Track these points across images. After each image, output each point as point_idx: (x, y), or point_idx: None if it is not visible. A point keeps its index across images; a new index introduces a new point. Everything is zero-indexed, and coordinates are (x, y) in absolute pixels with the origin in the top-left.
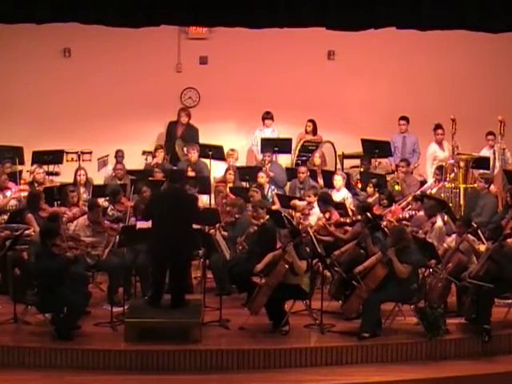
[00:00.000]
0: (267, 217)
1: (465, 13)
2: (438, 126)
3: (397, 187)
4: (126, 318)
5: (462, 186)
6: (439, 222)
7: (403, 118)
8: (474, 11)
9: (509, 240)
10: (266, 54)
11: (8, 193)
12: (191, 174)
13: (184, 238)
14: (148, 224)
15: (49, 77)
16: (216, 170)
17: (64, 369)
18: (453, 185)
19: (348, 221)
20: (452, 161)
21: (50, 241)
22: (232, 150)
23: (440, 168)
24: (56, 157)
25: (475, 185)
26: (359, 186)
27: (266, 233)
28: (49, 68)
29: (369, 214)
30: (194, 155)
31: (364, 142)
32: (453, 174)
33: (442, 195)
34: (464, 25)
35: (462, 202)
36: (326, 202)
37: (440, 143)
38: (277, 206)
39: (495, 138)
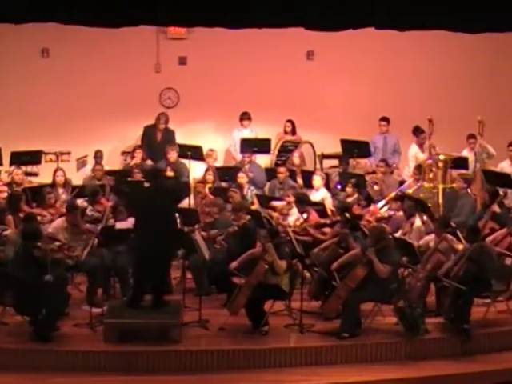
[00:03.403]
0: (248, 217)
1: (442, 13)
2: (420, 131)
3: (376, 187)
4: (105, 318)
5: (440, 186)
6: (418, 222)
7: (384, 118)
8: (451, 11)
9: (487, 239)
10: (245, 54)
11: None
12: (170, 173)
13: (167, 235)
14: (127, 224)
15: (27, 77)
16: (195, 170)
17: (43, 370)
18: (431, 185)
19: (328, 222)
20: (430, 161)
21: (31, 243)
22: (211, 150)
23: (418, 167)
24: (34, 157)
25: (453, 185)
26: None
27: (246, 233)
28: (27, 68)
29: (347, 215)
30: (173, 155)
31: (343, 142)
32: (431, 174)
33: (421, 195)
34: (441, 25)
35: (440, 201)
36: (302, 202)
37: (421, 146)
38: (256, 207)
39: (476, 140)
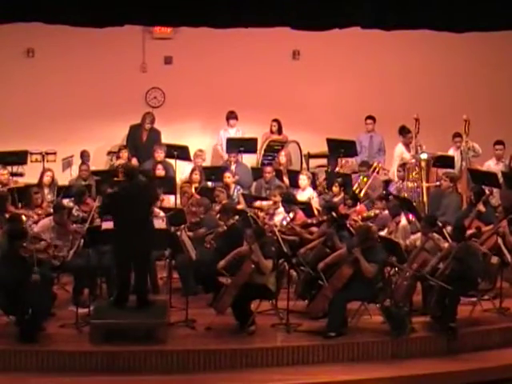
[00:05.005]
0: (237, 217)
1: (428, 12)
2: (407, 131)
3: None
4: (91, 319)
5: (424, 185)
6: (403, 221)
7: (370, 117)
8: (437, 10)
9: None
10: (230, 53)
11: None
12: (161, 172)
13: (144, 234)
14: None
15: (12, 77)
16: (181, 170)
17: (29, 371)
18: (415, 184)
19: (314, 221)
20: (414, 160)
21: (18, 243)
22: (200, 150)
23: (403, 165)
24: (20, 158)
25: (437, 183)
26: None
27: (234, 233)
28: (12, 68)
29: (334, 214)
30: (160, 155)
31: (329, 141)
32: (415, 173)
33: (405, 194)
34: (427, 24)
35: (425, 200)
36: (289, 202)
37: (407, 145)
38: (242, 206)
39: (462, 139)
